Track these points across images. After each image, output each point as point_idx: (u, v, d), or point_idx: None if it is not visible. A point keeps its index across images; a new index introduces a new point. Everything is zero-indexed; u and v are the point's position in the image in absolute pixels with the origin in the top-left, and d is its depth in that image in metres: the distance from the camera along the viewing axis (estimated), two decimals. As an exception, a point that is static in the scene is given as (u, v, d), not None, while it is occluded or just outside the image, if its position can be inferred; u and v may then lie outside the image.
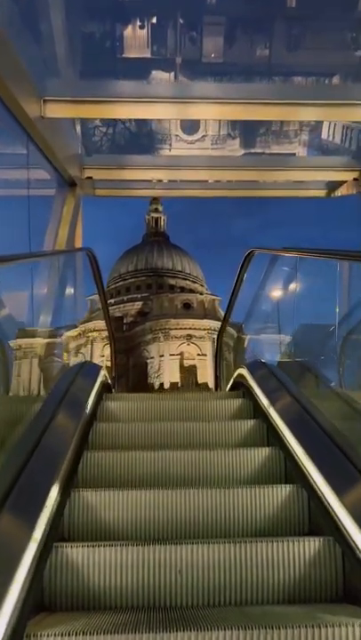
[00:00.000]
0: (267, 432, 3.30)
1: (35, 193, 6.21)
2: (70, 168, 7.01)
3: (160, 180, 8.51)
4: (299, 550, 2.06)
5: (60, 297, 6.60)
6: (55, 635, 1.59)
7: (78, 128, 7.80)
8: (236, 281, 5.35)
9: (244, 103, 5.36)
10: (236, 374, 4.65)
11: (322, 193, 9.02)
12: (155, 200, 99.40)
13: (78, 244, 7.73)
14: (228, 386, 5.02)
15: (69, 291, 7.29)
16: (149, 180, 8.65)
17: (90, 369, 3.99)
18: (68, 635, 1.59)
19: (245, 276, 5.31)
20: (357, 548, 1.84)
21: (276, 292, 5.56)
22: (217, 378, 6.67)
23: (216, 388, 6.57)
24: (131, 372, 54.16)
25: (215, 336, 77.92)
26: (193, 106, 5.47)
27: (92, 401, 3.41)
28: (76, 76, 6.03)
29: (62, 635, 1.59)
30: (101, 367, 4.43)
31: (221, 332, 6.84)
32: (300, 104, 5.64)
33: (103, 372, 4.28)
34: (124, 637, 1.60)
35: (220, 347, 6.86)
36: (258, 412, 3.53)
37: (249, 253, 5.13)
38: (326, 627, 1.62)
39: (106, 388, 4.44)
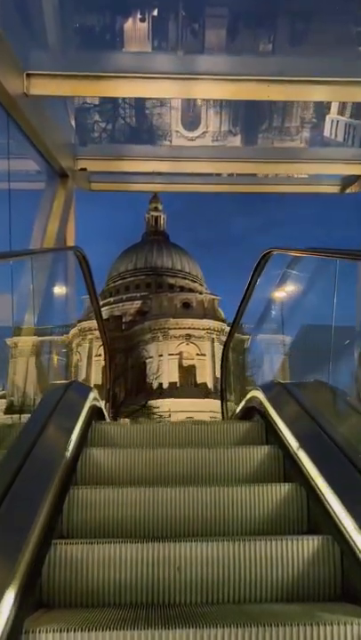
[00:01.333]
0: (307, 501, 2.46)
1: (18, 186, 5.46)
2: (61, 157, 6.29)
3: (161, 173, 7.79)
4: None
5: (48, 296, 5.93)
6: (54, 630, 1.57)
7: (72, 119, 7.08)
8: (249, 285, 4.62)
9: (251, 80, 4.66)
10: (248, 397, 3.95)
11: (335, 189, 8.29)
12: (154, 198, 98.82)
13: (71, 241, 7.00)
14: (240, 408, 4.31)
15: (60, 290, 6.64)
16: (149, 173, 7.92)
17: (73, 399, 3.23)
18: (67, 631, 1.57)
19: (258, 280, 4.59)
20: None
21: (297, 298, 4.86)
22: (222, 390, 5.96)
23: (222, 403, 5.86)
24: (129, 373, 53.49)
25: (214, 336, 77.89)
26: (198, 83, 4.77)
27: (73, 448, 2.64)
28: (65, 48, 5.28)
29: (60, 631, 1.57)
30: (91, 389, 3.71)
31: (229, 341, 6.13)
32: (311, 81, 4.92)
33: (92, 396, 3.56)
34: (122, 634, 1.59)
35: (227, 357, 6.15)
36: (288, 461, 2.79)
37: (266, 254, 4.39)
38: (325, 625, 1.62)
39: (97, 414, 3.74)
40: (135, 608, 1.91)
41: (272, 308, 5.32)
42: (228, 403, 6.30)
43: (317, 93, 5.42)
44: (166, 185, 8.38)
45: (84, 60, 4.79)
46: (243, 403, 4.08)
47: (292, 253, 4.19)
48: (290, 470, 2.74)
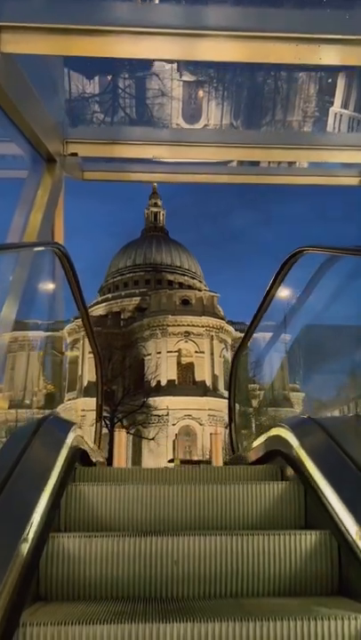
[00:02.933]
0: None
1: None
2: (48, 139, 5.44)
3: (161, 162, 6.94)
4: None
5: (31, 292, 5.16)
6: (51, 624, 1.55)
7: (62, 95, 6.21)
8: (269, 290, 3.74)
9: (273, 38, 3.79)
10: (271, 435, 3.11)
11: (355, 180, 7.44)
12: (154, 194, 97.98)
13: (59, 236, 6.16)
14: (258, 444, 3.47)
15: (46, 286, 5.87)
16: (149, 160, 7.06)
17: (43, 449, 2.37)
18: (65, 624, 1.55)
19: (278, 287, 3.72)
20: None
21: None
22: (231, 421, 5.05)
23: (230, 424, 5.01)
24: (127, 371, 52.76)
25: (213, 333, 77.74)
26: (202, 41, 3.92)
27: (34, 538, 1.78)
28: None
29: (58, 624, 1.55)
30: (71, 426, 2.87)
31: (239, 354, 5.25)
32: (323, 39, 4.05)
33: (71, 438, 2.72)
34: (120, 627, 1.57)
35: (235, 375, 5.19)
36: (348, 556, 1.93)
37: (296, 254, 3.50)
38: (322, 619, 1.61)
39: (80, 458, 2.91)
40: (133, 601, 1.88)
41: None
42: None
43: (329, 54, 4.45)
44: (167, 175, 7.52)
45: (70, 10, 3.92)
46: (262, 440, 3.24)
47: (334, 252, 3.30)
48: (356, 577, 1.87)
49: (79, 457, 2.92)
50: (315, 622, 1.59)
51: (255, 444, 3.52)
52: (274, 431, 3.05)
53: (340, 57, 4.52)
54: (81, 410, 47.83)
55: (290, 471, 2.88)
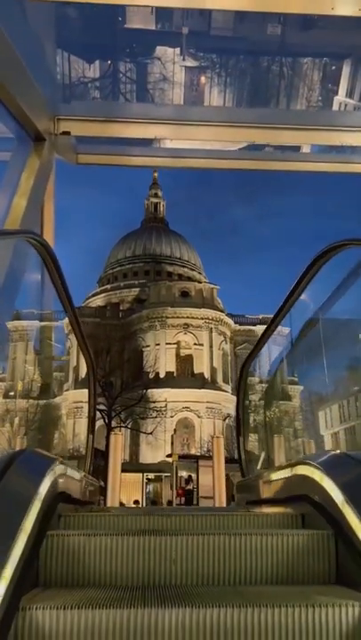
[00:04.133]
0: None
1: None
2: (35, 115, 4.80)
3: (162, 144, 6.29)
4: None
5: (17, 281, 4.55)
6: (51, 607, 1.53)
7: (53, 67, 5.54)
8: (294, 290, 3.05)
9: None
10: (296, 474, 2.52)
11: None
12: (154, 184, 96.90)
13: (49, 224, 5.52)
14: (274, 478, 2.88)
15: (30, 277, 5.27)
16: (149, 142, 6.42)
17: (10, 504, 1.78)
18: (64, 608, 1.54)
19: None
20: None
21: None
22: (239, 441, 4.40)
23: (240, 456, 4.40)
24: (126, 364, 52.21)
25: (212, 326, 77.50)
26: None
27: None
28: None
29: (57, 608, 1.54)
30: (52, 463, 2.27)
31: (247, 363, 4.57)
32: None
33: (47, 485, 2.12)
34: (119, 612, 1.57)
35: (243, 407, 4.47)
36: None
37: (334, 247, 2.77)
38: (320, 607, 1.62)
39: (63, 499, 2.31)
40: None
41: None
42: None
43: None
44: (168, 159, 6.87)
45: None
46: (282, 476, 2.65)
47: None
48: None
49: (62, 499, 2.33)
50: (313, 609, 1.60)
51: (273, 476, 2.92)
52: (300, 469, 2.46)
53: (356, 7, 3.88)
54: (73, 402, 47.35)
55: (316, 517, 2.30)
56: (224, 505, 8.43)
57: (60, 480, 2.30)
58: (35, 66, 4.92)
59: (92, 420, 4.51)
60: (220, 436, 9.38)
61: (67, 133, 5.48)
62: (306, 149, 7.04)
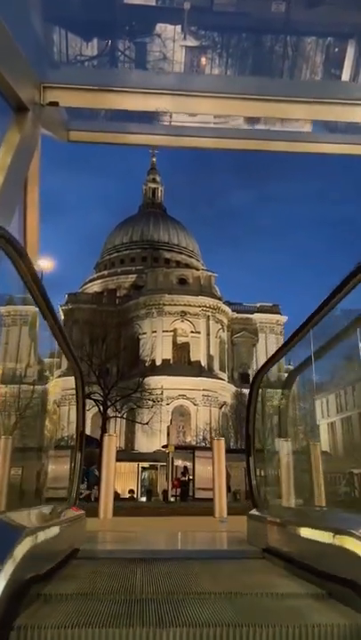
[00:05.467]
0: None
1: None
2: (16, 81, 4.08)
3: (163, 118, 5.56)
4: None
5: None
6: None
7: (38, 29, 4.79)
8: (332, 298, 2.35)
9: None
10: (338, 546, 1.89)
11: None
12: (152, 169, 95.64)
13: (33, 207, 4.82)
14: (300, 537, 2.26)
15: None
16: (149, 117, 5.70)
17: None
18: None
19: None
20: None
21: None
22: (251, 487, 3.73)
23: (250, 481, 3.76)
24: (122, 353, 51.67)
25: (210, 314, 77.29)
26: None
27: None
28: None
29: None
30: (19, 535, 1.64)
31: (252, 403, 3.86)
32: None
33: (14, 562, 1.49)
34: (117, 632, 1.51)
35: (253, 423, 3.81)
36: None
37: None
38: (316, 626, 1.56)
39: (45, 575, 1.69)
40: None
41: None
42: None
43: None
44: (167, 137, 6.15)
45: None
46: (322, 537, 2.02)
47: None
48: None
49: (34, 581, 1.70)
50: (309, 628, 1.55)
51: (303, 532, 2.29)
52: (347, 542, 1.82)
53: None
54: (62, 389, 46.78)
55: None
56: (224, 506, 7.91)
57: (29, 559, 1.66)
58: (16, 23, 4.18)
59: (80, 437, 3.86)
60: (221, 438, 8.77)
61: (54, 104, 4.75)
62: (309, 128, 6.34)
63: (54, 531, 2.22)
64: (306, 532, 2.28)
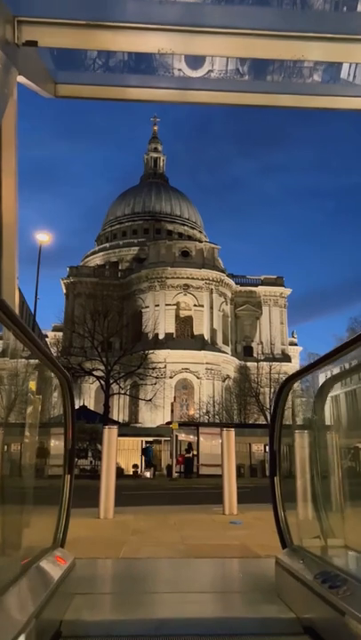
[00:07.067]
0: None
1: None
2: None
3: (168, 60, 4.64)
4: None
5: None
6: None
7: None
8: None
9: None
10: None
11: None
12: (154, 138, 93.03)
13: (9, 175, 3.98)
14: None
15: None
16: (151, 61, 4.80)
17: None
18: None
19: None
20: None
21: None
22: (278, 518, 3.02)
23: (276, 514, 3.03)
24: (124, 328, 50.97)
25: (213, 287, 76.80)
26: None
27: None
28: None
29: None
30: None
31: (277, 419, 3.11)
32: None
33: None
34: None
35: (280, 438, 3.11)
36: None
37: None
38: None
39: None
40: None
41: None
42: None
43: None
44: (167, 91, 5.25)
45: None
46: None
47: None
48: None
49: None
50: None
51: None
52: None
53: None
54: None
55: None
56: (235, 502, 7.33)
57: None
58: None
59: (70, 457, 3.14)
60: (230, 429, 8.10)
61: (32, 43, 3.86)
62: (319, 77, 5.46)
63: (14, 602, 1.51)
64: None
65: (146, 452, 31.13)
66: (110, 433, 7.38)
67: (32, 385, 3.01)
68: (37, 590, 2.09)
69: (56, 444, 3.50)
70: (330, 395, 2.89)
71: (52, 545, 2.81)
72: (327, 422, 3.17)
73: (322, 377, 2.98)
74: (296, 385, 3.07)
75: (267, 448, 35.63)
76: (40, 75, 4.66)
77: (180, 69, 5.15)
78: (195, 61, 4.69)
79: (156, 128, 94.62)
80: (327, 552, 2.76)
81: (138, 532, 5.59)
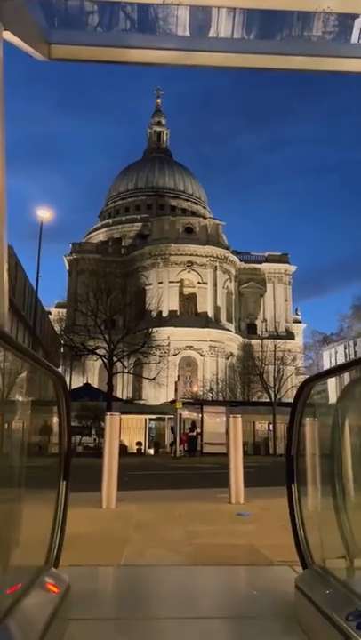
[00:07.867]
0: None
1: None
2: None
3: (171, 16, 4.16)
4: None
5: None
6: None
7: None
8: None
9: None
10: None
11: None
12: (157, 112, 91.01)
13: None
14: None
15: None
16: (152, 18, 4.30)
17: None
18: None
19: None
20: None
21: None
22: (297, 534, 2.72)
23: (296, 532, 2.72)
24: (127, 306, 50.61)
25: (217, 264, 76.33)
26: None
27: None
28: None
29: None
30: None
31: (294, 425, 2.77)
32: None
33: None
34: None
35: (297, 443, 2.81)
36: None
37: None
38: None
39: None
40: None
41: None
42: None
43: None
44: (170, 53, 4.73)
45: None
46: None
47: None
48: None
49: None
50: None
51: None
52: None
53: None
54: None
55: None
56: (241, 490, 7.08)
57: None
58: None
59: (65, 462, 2.81)
60: (238, 415, 7.80)
61: (19, -6, 3.38)
62: (330, 37, 4.90)
63: None
64: None
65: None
66: (112, 420, 7.09)
67: (23, 387, 2.66)
68: (25, 630, 1.79)
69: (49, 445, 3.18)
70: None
71: (45, 566, 2.50)
72: (353, 427, 2.82)
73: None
74: (320, 386, 2.69)
75: (270, 426, 35.66)
76: (32, 33, 4.17)
77: (184, 28, 4.67)
78: (200, 19, 4.22)
79: (159, 101, 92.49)
80: (356, 577, 2.44)
81: (141, 526, 5.33)
